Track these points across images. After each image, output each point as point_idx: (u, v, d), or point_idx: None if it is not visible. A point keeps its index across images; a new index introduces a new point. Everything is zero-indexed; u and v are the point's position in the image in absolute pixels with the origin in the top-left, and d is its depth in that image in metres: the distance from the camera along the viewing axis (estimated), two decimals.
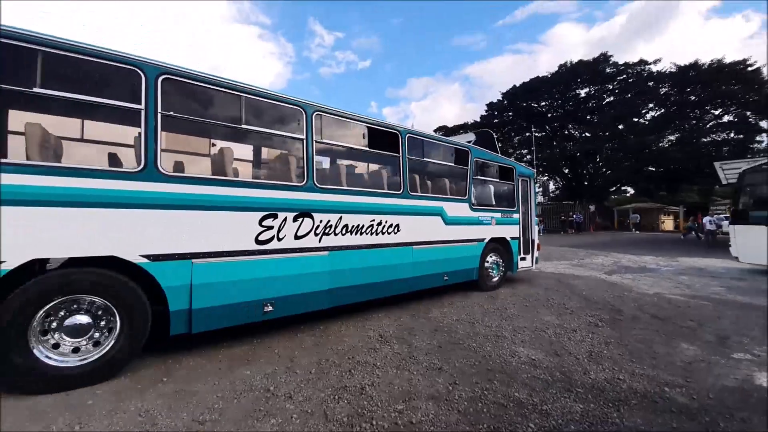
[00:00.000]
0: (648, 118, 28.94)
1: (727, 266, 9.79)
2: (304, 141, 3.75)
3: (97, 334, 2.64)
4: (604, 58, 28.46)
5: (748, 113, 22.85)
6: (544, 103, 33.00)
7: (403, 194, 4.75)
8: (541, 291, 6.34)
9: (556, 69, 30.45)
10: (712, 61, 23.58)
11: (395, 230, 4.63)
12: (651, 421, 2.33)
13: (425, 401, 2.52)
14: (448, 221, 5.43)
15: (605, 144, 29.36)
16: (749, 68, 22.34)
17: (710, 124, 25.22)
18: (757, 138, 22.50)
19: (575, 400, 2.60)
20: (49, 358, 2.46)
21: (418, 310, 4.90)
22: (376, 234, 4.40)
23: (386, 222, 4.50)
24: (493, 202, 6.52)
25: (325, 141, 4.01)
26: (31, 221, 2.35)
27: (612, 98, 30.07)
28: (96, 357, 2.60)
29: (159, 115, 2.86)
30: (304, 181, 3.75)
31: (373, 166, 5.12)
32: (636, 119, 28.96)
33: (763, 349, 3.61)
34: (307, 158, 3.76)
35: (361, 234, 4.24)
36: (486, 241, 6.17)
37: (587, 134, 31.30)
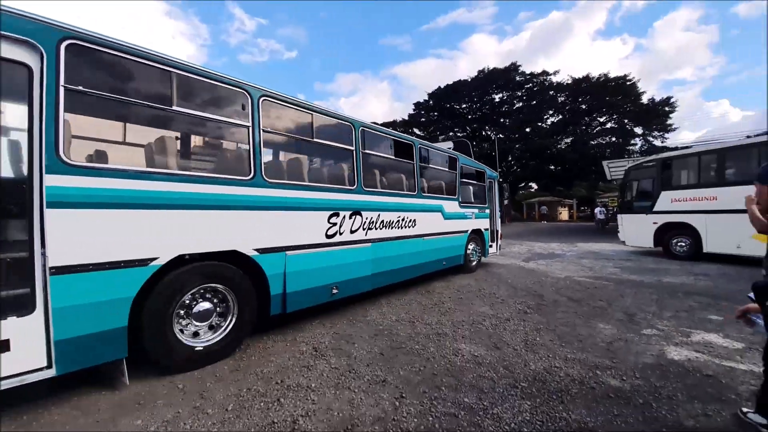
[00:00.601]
0: (549, 123, 32.79)
1: (616, 249, 11.41)
2: (354, 152, 4.49)
3: (217, 320, 3.08)
4: (514, 67, 31.41)
5: (626, 121, 27.42)
6: (464, 106, 35.17)
7: (417, 194, 5.70)
8: (473, 282, 6.48)
9: (476, 74, 32.65)
10: (600, 75, 27.75)
11: (413, 224, 5.53)
12: (594, 410, 2.32)
13: (370, 425, 2.15)
14: (446, 216, 6.47)
15: (515, 145, 32.46)
16: (628, 82, 26.80)
17: (597, 129, 29.63)
18: (632, 141, 27.13)
19: (522, 396, 2.49)
20: (186, 340, 2.86)
21: (355, 313, 4.53)
22: (401, 228, 5.26)
23: (408, 218, 5.41)
24: (472, 200, 7.64)
25: (371, 152, 4.82)
26: (175, 222, 2.71)
27: (521, 104, 33.35)
28: (218, 338, 3.04)
29: (261, 132, 3.34)
30: (356, 185, 4.47)
31: (395, 172, 5.64)
32: (540, 123, 32.60)
33: (665, 323, 4.05)
34: (356, 165, 4.49)
35: (392, 228, 5.07)
36: (469, 232, 7.32)
37: (501, 136, 34.25)
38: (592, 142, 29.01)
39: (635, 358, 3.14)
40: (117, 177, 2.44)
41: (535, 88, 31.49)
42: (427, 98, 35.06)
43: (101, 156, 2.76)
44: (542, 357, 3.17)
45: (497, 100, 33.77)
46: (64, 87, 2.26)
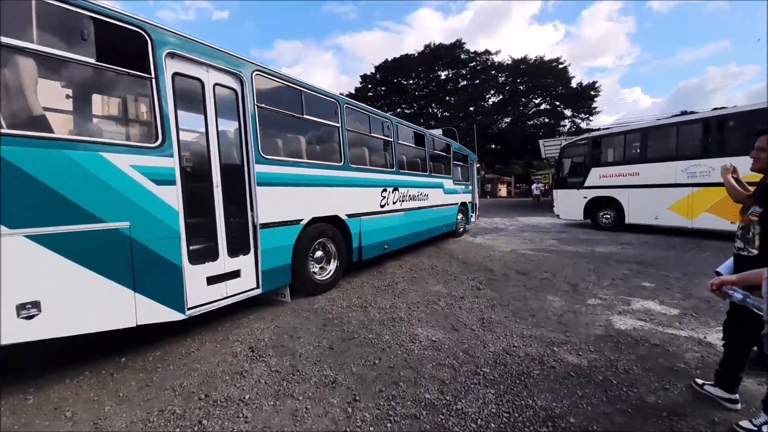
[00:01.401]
0: (491, 102, 33.91)
1: (551, 222, 12.19)
2: (392, 142, 5.82)
3: (326, 264, 4.46)
4: (459, 44, 31.55)
5: (557, 103, 29.33)
6: (411, 82, 34.77)
7: (428, 174, 7.12)
8: (425, 259, 6.32)
9: (422, 49, 32.23)
10: (536, 57, 29.03)
11: (426, 198, 6.91)
12: (558, 393, 2.18)
13: None
14: (446, 191, 7.91)
15: (460, 123, 33.17)
16: (560, 65, 28.45)
17: (532, 110, 31.37)
18: (562, 123, 29.24)
19: (485, 384, 2.29)
20: (314, 274, 4.23)
21: (299, 302, 4.05)
22: (419, 200, 6.62)
23: (423, 192, 6.79)
24: (460, 178, 9.12)
25: (402, 142, 6.17)
26: (309, 195, 4.05)
27: (465, 82, 33.88)
28: (330, 274, 4.45)
29: (346, 132, 4.72)
30: (394, 167, 5.82)
31: (415, 156, 6.86)
32: (482, 103, 33.56)
33: (606, 292, 4.21)
34: (394, 151, 5.86)
35: (414, 200, 6.44)
36: (459, 204, 8.79)
37: (446, 113, 34.70)
38: (529, 122, 30.74)
39: (586, 330, 3.14)
40: (284, 165, 3.72)
41: (479, 67, 32.11)
42: (374, 71, 33.95)
43: (275, 151, 3.84)
44: (500, 336, 3.04)
45: (443, 77, 33.91)
46: (257, 105, 3.44)
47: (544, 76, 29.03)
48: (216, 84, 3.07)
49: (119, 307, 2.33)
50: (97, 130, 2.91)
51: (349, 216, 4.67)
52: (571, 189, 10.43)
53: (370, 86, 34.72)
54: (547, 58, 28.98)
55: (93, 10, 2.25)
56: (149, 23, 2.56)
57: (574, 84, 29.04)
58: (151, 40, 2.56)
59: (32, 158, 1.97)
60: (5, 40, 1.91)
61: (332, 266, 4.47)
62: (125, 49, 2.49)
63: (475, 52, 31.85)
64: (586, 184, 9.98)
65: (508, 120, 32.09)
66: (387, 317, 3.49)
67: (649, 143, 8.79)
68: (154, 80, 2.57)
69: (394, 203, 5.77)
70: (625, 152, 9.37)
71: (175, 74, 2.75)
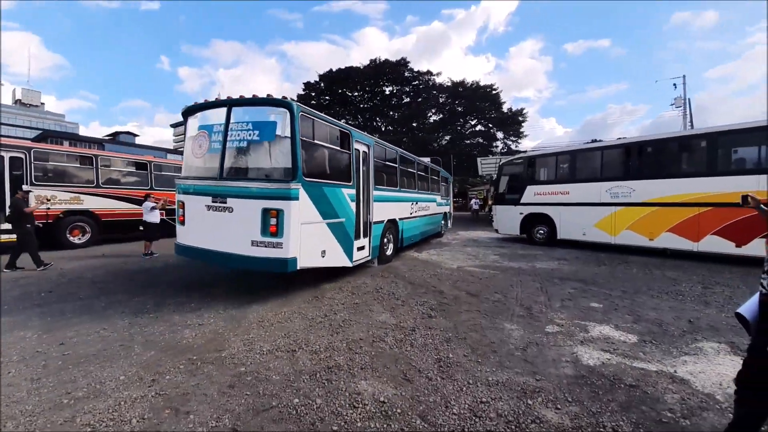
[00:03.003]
0: (432, 120, 35.11)
1: (490, 236, 12.39)
2: (416, 173, 9.20)
3: (388, 246, 7.09)
4: (404, 62, 32.20)
5: (490, 125, 31.33)
6: (357, 94, 34.51)
7: (429, 192, 10.37)
8: (369, 280, 5.61)
9: (368, 63, 32.22)
10: (473, 82, 30.77)
11: (428, 208, 10.08)
12: None
13: None
14: (437, 204, 11.25)
15: (403, 138, 33.70)
16: (493, 92, 30.48)
17: (469, 130, 33.04)
18: (495, 144, 31.22)
19: None
20: (384, 250, 6.84)
21: (209, 343, 3.03)
22: (424, 210, 9.68)
23: (427, 205, 9.93)
24: (444, 194, 12.56)
25: (418, 172, 9.53)
26: (384, 208, 6.72)
27: (408, 99, 34.64)
28: (390, 252, 7.22)
29: (399, 168, 7.84)
30: (416, 188, 9.06)
31: (423, 180, 9.92)
32: (424, 120, 34.59)
33: (560, 316, 3.90)
34: (416, 178, 9.20)
35: (423, 210, 9.51)
36: (443, 213, 12.28)
37: (390, 128, 35.04)
38: (466, 141, 32.29)
39: (555, 369, 2.69)
40: (379, 190, 6.59)
41: (421, 86, 33.04)
42: (318, 79, 32.99)
43: (378, 182, 6.68)
44: (462, 386, 2.43)
45: (387, 92, 34.21)
46: (375, 159, 6.49)
47: (479, 100, 30.84)
48: (363, 150, 6.06)
49: (342, 256, 5.23)
50: (335, 177, 5.12)
51: (399, 219, 7.71)
52: (509, 205, 10.67)
53: (313, 94, 33.60)
54: (482, 84, 30.95)
55: (338, 125, 5.25)
56: (351, 129, 5.58)
57: (505, 109, 31.36)
58: (351, 135, 5.53)
59: (324, 189, 4.72)
60: (306, 139, 4.47)
61: (391, 247, 7.32)
62: (342, 140, 5.36)
63: (418, 72, 32.80)
64: (523, 200, 10.27)
65: (447, 138, 33.35)
66: (321, 366, 2.67)
67: (578, 165, 9.30)
68: (354, 154, 5.64)
69: (415, 212, 8.86)
70: (557, 172, 9.83)
71: (356, 149, 5.73)
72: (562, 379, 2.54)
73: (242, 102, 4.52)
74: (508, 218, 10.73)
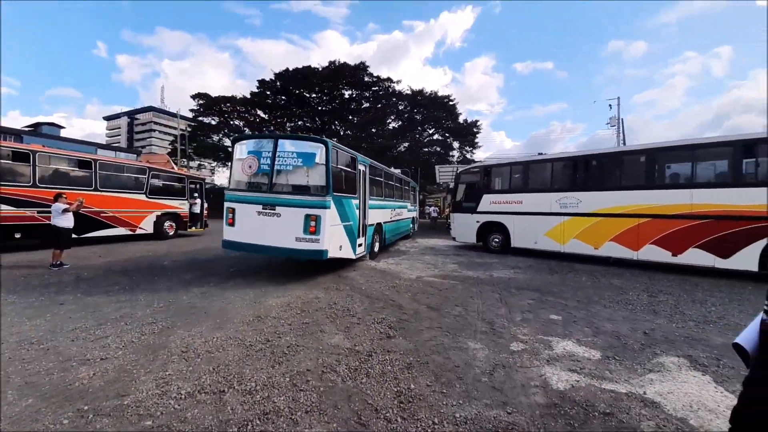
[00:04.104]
0: (391, 127, 35.32)
1: (447, 244, 12.42)
2: (394, 184, 11.46)
3: (376, 244, 8.84)
4: (363, 66, 32.03)
5: (447, 135, 32.26)
6: (315, 96, 33.64)
7: (403, 199, 12.59)
8: (322, 294, 5.12)
9: (327, 64, 31.58)
10: (431, 91, 31.52)
11: (402, 214, 12.13)
12: None
13: None
14: (408, 210, 13.48)
15: (362, 143, 33.46)
16: (450, 102, 31.47)
17: (427, 139, 33.74)
18: (451, 153, 32.18)
19: None
20: (373, 248, 8.65)
21: (106, 384, 2.37)
22: (399, 215, 11.70)
23: (400, 211, 11.93)
24: (412, 201, 14.83)
25: (397, 184, 11.84)
26: (374, 213, 8.47)
27: (368, 104, 34.53)
28: (377, 249, 8.98)
29: (385, 182, 10.15)
30: (394, 197, 11.09)
31: (399, 191, 12.12)
32: (383, 127, 34.69)
33: (523, 331, 3.73)
34: (393, 189, 11.17)
35: (398, 215, 11.59)
36: (411, 218, 14.41)
37: (349, 132, 34.60)
38: (424, 149, 32.89)
39: (526, 396, 2.44)
40: (373, 199, 8.54)
41: (381, 92, 33.11)
42: (273, 78, 31.61)
43: (372, 193, 8.74)
44: (427, 427, 2.06)
45: (347, 96, 33.81)
46: (369, 176, 8.24)
47: (437, 109, 31.62)
48: (362, 169, 7.71)
49: (350, 251, 6.86)
50: (348, 190, 6.78)
51: (383, 222, 9.42)
52: (466, 213, 10.74)
53: (268, 93, 32.13)
54: (440, 94, 31.81)
55: (349, 152, 7.05)
56: (357, 154, 7.38)
57: (461, 120, 32.49)
58: (355, 159, 7.24)
59: (342, 200, 6.39)
60: (333, 165, 6.15)
61: (377, 246, 9.00)
62: (350, 163, 7.04)
63: (378, 77, 32.78)
64: (479, 209, 10.39)
65: (406, 145, 33.71)
66: (255, 412, 2.15)
67: (531, 175, 9.61)
68: (358, 173, 7.39)
69: (394, 217, 10.84)
70: (511, 182, 10.08)
71: (359, 169, 7.45)
72: (534, 410, 2.28)
73: (288, 137, 6.55)
74: (465, 226, 10.79)
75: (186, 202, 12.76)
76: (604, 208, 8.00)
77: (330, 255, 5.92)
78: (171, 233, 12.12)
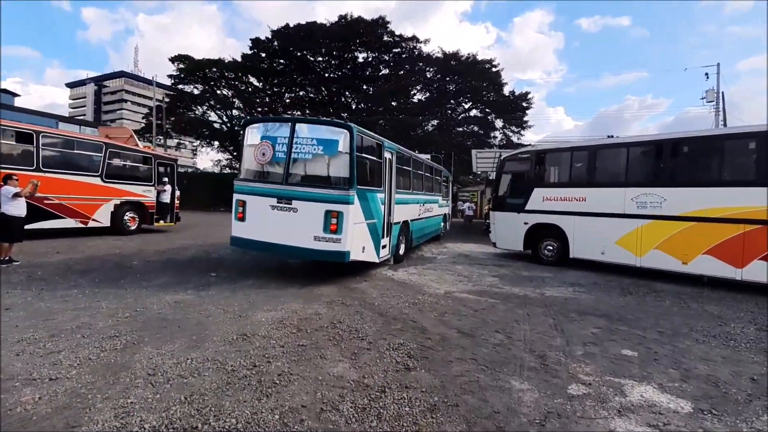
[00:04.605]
0: (416, 99, 35.20)
1: (484, 251, 12.27)
2: (422, 175, 11.77)
3: (401, 246, 9.39)
4: (382, 22, 32.03)
5: (488, 110, 31.85)
6: (321, 59, 33.89)
7: (434, 192, 13.14)
8: (324, 309, 5.13)
9: (337, 20, 31.71)
10: (468, 55, 31.13)
11: (431, 210, 12.61)
12: None
13: None
14: (439, 205, 13.97)
15: (379, 120, 33.51)
16: (493, 68, 31.03)
17: (462, 115, 33.47)
18: (492, 134, 31.81)
19: None
20: (398, 250, 9.12)
21: (53, 413, 2.41)
22: (428, 212, 12.17)
23: (431, 207, 12.60)
24: (443, 194, 15.46)
25: (428, 174, 12.73)
26: (400, 209, 8.89)
27: (387, 71, 34.53)
28: (402, 252, 9.48)
29: (413, 171, 10.62)
30: (423, 190, 11.67)
31: (429, 181, 12.78)
32: (406, 98, 34.59)
33: (585, 369, 3.58)
34: (423, 179, 11.84)
35: (427, 212, 12.06)
36: (442, 215, 14.96)
37: (362, 105, 34.73)
38: (459, 129, 32.61)
39: None
40: (399, 193, 8.96)
41: (404, 55, 33.05)
42: (270, 37, 32.00)
43: (399, 185, 9.10)
44: None
45: (361, 60, 33.90)
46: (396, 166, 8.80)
47: (476, 78, 31.24)
48: (388, 157, 8.16)
49: (373, 253, 7.39)
50: (373, 183, 7.38)
51: (411, 220, 10.01)
52: (510, 212, 10.53)
53: (263, 55, 32.59)
54: (480, 58, 31.41)
55: (375, 138, 7.78)
56: (383, 139, 8.03)
57: (506, 92, 32.02)
58: (381, 145, 7.84)
59: (367, 194, 6.91)
60: (357, 153, 6.61)
61: (403, 247, 9.40)
62: (376, 151, 7.72)
63: (400, 36, 32.71)
64: (528, 207, 10.16)
65: (435, 123, 33.53)
66: None
67: (598, 164, 9.29)
68: (384, 161, 7.94)
69: (422, 213, 11.28)
70: (571, 172, 9.80)
71: (385, 157, 7.96)
72: None
73: (307, 120, 7.45)
74: (509, 229, 10.59)
75: (152, 188, 12.66)
76: (698, 210, 7.64)
77: (352, 257, 6.35)
78: (133, 227, 12.08)
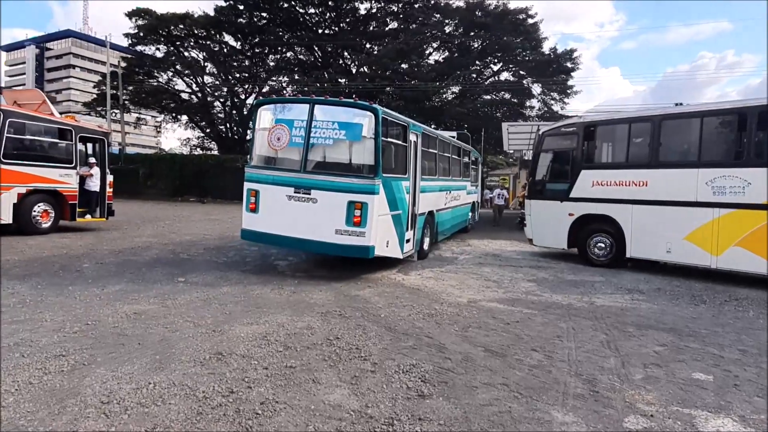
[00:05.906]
0: (432, 60, 35.08)
1: (518, 250, 12.30)
2: (449, 158, 13.13)
3: (425, 240, 10.51)
4: None
5: (523, 73, 31.62)
6: (313, 11, 33.86)
7: (462, 177, 15.04)
8: (318, 321, 5.18)
9: None
10: (498, 3, 30.87)
11: (459, 198, 14.17)
12: None
13: None
14: (467, 192, 15.85)
15: (386, 86, 33.48)
16: (530, 20, 30.72)
17: (490, 80, 33.26)
18: (528, 103, 31.62)
19: None
20: (422, 244, 10.14)
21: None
22: (455, 200, 13.52)
23: (459, 194, 14.20)
24: (472, 178, 17.32)
25: (454, 157, 14.05)
26: (425, 198, 10.03)
27: (396, 25, 34.42)
28: (427, 247, 10.62)
29: (439, 154, 11.80)
30: (450, 176, 13.13)
31: (457, 165, 14.18)
32: (420, 59, 34.49)
33: (646, 398, 3.56)
34: (450, 162, 13.15)
35: (454, 201, 13.50)
36: (470, 203, 16.67)
37: (364, 69, 34.68)
38: (485, 97, 32.43)
39: None
40: (425, 181, 10.29)
41: (417, 5, 32.85)
42: None
43: (424, 171, 10.57)
44: None
45: (363, 11, 33.81)
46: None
47: (507, 33, 30.98)
48: (413, 140, 9.05)
49: (397, 248, 8.26)
50: (398, 170, 8.27)
51: (436, 210, 11.00)
52: (551, 200, 10.52)
53: (241, 8, 32.59)
54: (513, 7, 31.11)
55: (400, 120, 8.63)
56: (408, 120, 8.98)
57: (546, 49, 31.72)
58: (406, 128, 8.73)
59: (392, 183, 7.73)
60: (383, 138, 7.42)
61: (427, 241, 10.36)
62: (401, 134, 8.62)
63: None
64: (573, 194, 10.14)
65: (456, 90, 33.38)
66: None
67: (663, 139, 9.16)
68: (410, 145, 8.84)
69: (449, 202, 12.38)
70: (628, 150, 9.73)
71: (410, 140, 8.82)
72: None
73: (326, 102, 7.58)
74: (549, 221, 10.61)
75: (74, 172, 11.78)
76: None
77: (376, 252, 7.05)
78: (46, 224, 11.22)
